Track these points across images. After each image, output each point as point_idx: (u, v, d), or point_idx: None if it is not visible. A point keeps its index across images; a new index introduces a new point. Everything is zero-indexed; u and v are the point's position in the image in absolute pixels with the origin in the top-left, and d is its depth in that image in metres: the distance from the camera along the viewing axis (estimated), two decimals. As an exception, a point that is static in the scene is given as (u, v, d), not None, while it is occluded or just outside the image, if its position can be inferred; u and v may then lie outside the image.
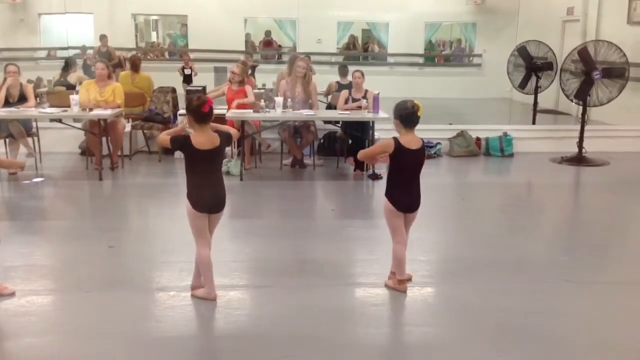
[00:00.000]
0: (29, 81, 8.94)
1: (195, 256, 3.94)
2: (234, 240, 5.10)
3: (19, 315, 3.73)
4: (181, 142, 3.78)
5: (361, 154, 4.29)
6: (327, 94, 9.35)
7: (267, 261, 4.68)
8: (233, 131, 4.08)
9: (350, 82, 8.18)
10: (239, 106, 7.47)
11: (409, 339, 3.63)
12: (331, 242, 5.14)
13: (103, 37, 13.73)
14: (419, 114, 3.95)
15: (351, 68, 8.52)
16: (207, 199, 3.80)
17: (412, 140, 3.97)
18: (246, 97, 7.60)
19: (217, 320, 3.82)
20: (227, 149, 7.49)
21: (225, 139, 3.87)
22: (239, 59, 13.60)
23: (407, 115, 3.94)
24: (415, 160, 4.00)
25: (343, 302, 4.02)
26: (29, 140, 7.60)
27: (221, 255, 4.35)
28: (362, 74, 7.75)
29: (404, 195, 4.01)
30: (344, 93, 7.83)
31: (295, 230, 5.44)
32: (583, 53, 8.21)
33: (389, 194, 4.03)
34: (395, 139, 3.96)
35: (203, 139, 3.74)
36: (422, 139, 4.06)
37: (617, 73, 8.19)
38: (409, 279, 4.20)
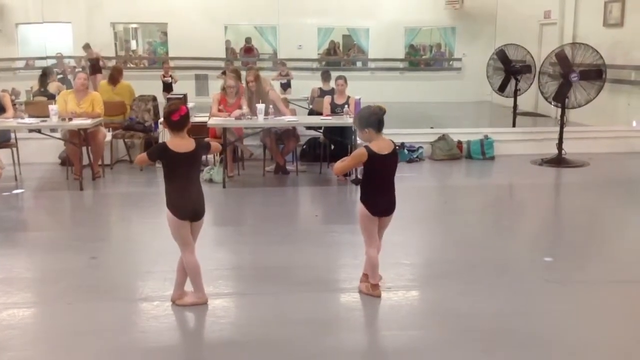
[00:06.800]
0: (4, 91, 8.83)
1: (177, 266, 3.93)
2: (217, 248, 5.08)
3: (1, 329, 3.67)
4: (158, 150, 3.86)
5: (337, 169, 4.14)
6: (312, 101, 9.36)
7: (252, 268, 4.66)
8: (214, 145, 4.13)
9: (333, 88, 8.20)
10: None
11: (395, 343, 3.63)
12: (315, 247, 5.14)
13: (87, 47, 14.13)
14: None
15: (332, 74, 8.55)
16: (187, 206, 3.80)
17: (383, 145, 3.94)
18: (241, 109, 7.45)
19: (203, 329, 3.80)
20: (209, 157, 7.50)
21: (201, 145, 3.90)
22: (221, 67, 13.61)
23: (377, 121, 3.92)
24: (388, 164, 3.99)
25: (329, 308, 4.02)
26: (3, 151, 7.45)
27: (205, 263, 4.31)
28: (345, 81, 7.78)
29: (379, 201, 4.01)
30: (327, 99, 7.85)
31: (279, 237, 5.42)
32: (560, 56, 8.32)
33: (364, 199, 4.01)
34: (367, 147, 3.93)
35: (178, 142, 3.78)
36: (392, 141, 4.04)
37: (594, 75, 8.30)
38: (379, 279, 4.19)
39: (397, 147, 4.06)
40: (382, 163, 3.95)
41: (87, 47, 14.48)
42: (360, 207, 4.03)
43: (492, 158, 8.74)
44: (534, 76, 9.78)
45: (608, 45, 10.22)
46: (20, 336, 3.63)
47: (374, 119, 3.92)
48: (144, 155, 3.89)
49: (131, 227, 6.02)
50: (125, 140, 8.32)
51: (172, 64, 14.98)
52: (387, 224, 4.12)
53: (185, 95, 8.77)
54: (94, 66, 14.04)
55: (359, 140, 7.43)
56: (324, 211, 6.66)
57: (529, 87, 10.21)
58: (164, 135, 7.86)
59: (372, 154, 3.90)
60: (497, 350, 3.46)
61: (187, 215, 3.81)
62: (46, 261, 4.88)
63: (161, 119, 8.20)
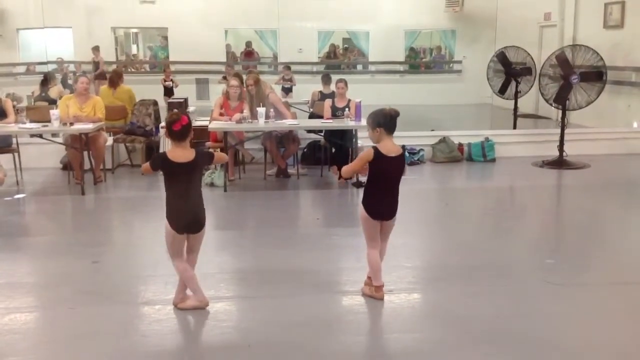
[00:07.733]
0: (8, 95, 8.85)
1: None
2: (219, 252, 5.08)
3: (3, 334, 3.68)
4: (159, 159, 3.88)
5: (346, 172, 4.21)
6: (312, 104, 9.37)
7: (253, 272, 4.67)
8: (218, 155, 4.19)
9: (333, 91, 8.21)
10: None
11: (397, 346, 3.64)
12: (317, 250, 5.14)
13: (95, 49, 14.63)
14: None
15: (333, 77, 8.54)
16: (184, 217, 3.81)
17: (391, 148, 3.95)
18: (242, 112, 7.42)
19: (205, 333, 3.80)
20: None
21: (202, 155, 3.92)
22: (222, 71, 13.61)
23: (389, 122, 3.94)
24: (394, 168, 3.98)
25: (330, 311, 4.02)
26: (4, 156, 7.44)
27: (207, 266, 4.33)
28: (346, 84, 7.78)
29: (380, 204, 4.00)
30: (328, 102, 7.86)
31: (280, 240, 5.43)
32: (561, 58, 8.32)
33: (365, 202, 4.01)
34: (374, 147, 3.94)
35: (178, 153, 3.79)
36: (401, 145, 4.04)
37: (594, 77, 8.30)
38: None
39: (409, 152, 4.08)
40: (388, 165, 3.94)
41: (96, 49, 14.67)
42: (361, 209, 4.04)
43: (493, 160, 8.74)
44: (535, 78, 9.78)
45: (608, 46, 10.23)
46: (22, 341, 3.64)
47: (387, 119, 3.93)
48: (147, 164, 3.94)
49: (133, 231, 6.03)
50: (127, 144, 8.33)
51: (172, 68, 15.02)
52: (390, 229, 4.11)
53: (186, 100, 8.79)
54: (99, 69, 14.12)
55: (359, 143, 7.47)
56: (325, 214, 6.66)
57: (530, 89, 10.22)
58: (165, 140, 7.88)
59: (378, 155, 3.89)
60: (498, 353, 3.45)
61: (184, 228, 3.82)
62: (48, 266, 4.89)
63: (162, 123, 8.25)
